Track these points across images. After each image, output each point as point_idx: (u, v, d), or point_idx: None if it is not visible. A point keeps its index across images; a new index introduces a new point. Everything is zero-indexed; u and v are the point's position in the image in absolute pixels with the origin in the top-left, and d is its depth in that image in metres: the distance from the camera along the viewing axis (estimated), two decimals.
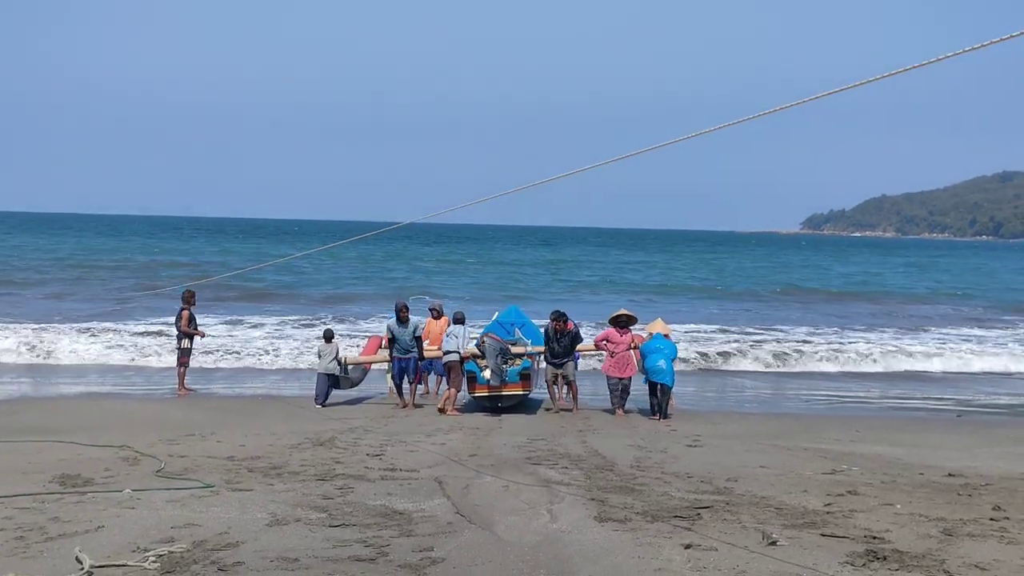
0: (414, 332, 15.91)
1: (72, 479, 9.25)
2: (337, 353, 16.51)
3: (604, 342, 15.85)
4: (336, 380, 16.44)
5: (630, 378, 15.60)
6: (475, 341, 15.94)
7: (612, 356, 15.63)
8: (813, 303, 41.91)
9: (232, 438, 12.12)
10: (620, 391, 15.49)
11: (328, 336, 16.88)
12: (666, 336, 15.80)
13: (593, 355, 18.99)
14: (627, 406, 15.65)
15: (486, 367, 15.41)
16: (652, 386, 15.15)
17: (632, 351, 15.62)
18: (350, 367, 16.81)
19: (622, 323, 15.87)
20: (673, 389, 15.24)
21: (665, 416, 14.88)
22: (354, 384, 17.05)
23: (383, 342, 16.98)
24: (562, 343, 15.73)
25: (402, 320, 15.84)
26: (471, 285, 47.05)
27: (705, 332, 28.17)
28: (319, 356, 16.57)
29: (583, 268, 64.54)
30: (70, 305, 32.45)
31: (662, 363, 14.98)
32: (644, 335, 16.02)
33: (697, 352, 23.92)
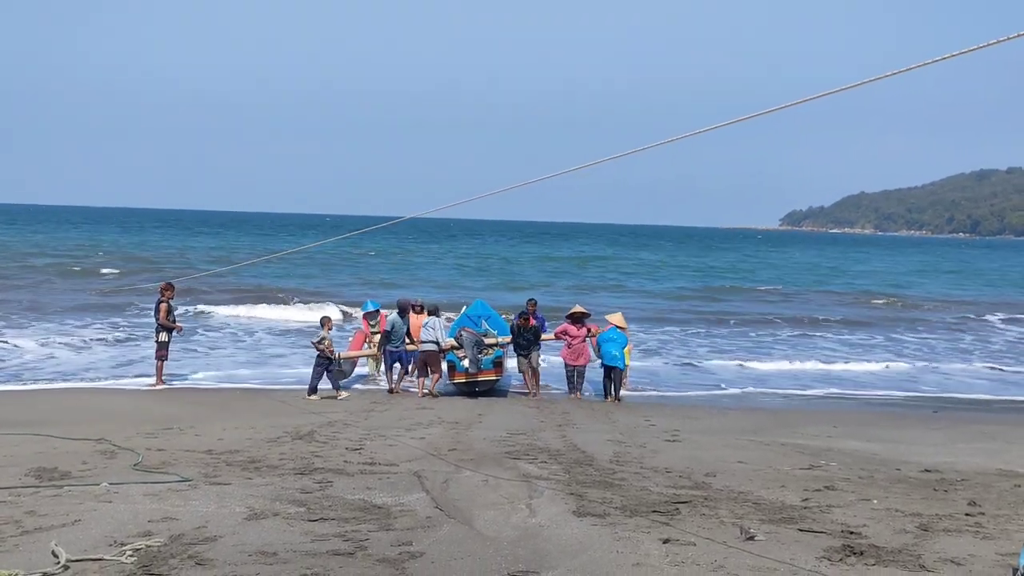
0: (406, 326, 17.40)
1: (49, 472, 9.18)
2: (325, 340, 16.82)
3: (563, 334, 17.61)
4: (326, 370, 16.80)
5: (584, 365, 17.46)
6: (454, 334, 17.56)
7: (569, 347, 17.45)
8: None
9: (210, 431, 12.06)
10: (575, 377, 17.39)
11: (323, 322, 17.43)
12: (622, 328, 17.53)
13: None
14: (584, 394, 17.46)
15: (464, 357, 17.04)
16: (607, 370, 16.98)
17: (587, 341, 17.44)
18: (342, 360, 17.63)
19: (577, 318, 17.70)
20: (626, 372, 17.45)
21: (617, 396, 16.77)
22: (346, 376, 17.96)
23: (366, 335, 18.46)
24: (526, 336, 17.51)
25: (405, 315, 17.48)
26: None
27: None
28: (320, 344, 16.64)
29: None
30: (48, 299, 32.20)
31: (614, 351, 16.82)
32: (604, 327, 17.63)
33: None
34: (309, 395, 16.06)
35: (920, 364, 23.93)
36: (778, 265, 76.09)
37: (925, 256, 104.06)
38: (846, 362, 23.78)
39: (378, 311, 19.17)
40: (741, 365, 22.65)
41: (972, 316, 37.69)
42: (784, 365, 22.93)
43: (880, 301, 42.72)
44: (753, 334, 29.60)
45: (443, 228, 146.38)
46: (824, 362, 23.59)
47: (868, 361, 24.05)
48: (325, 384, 16.57)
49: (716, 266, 71.10)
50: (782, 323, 32.93)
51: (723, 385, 19.50)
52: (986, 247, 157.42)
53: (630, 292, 44.59)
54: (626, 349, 17.30)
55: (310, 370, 16.66)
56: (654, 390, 18.64)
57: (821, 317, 35.10)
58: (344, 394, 16.33)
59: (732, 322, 32.62)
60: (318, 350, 16.50)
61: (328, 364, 16.51)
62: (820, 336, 29.83)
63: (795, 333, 30.28)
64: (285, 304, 32.78)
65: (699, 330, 30.05)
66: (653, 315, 33.57)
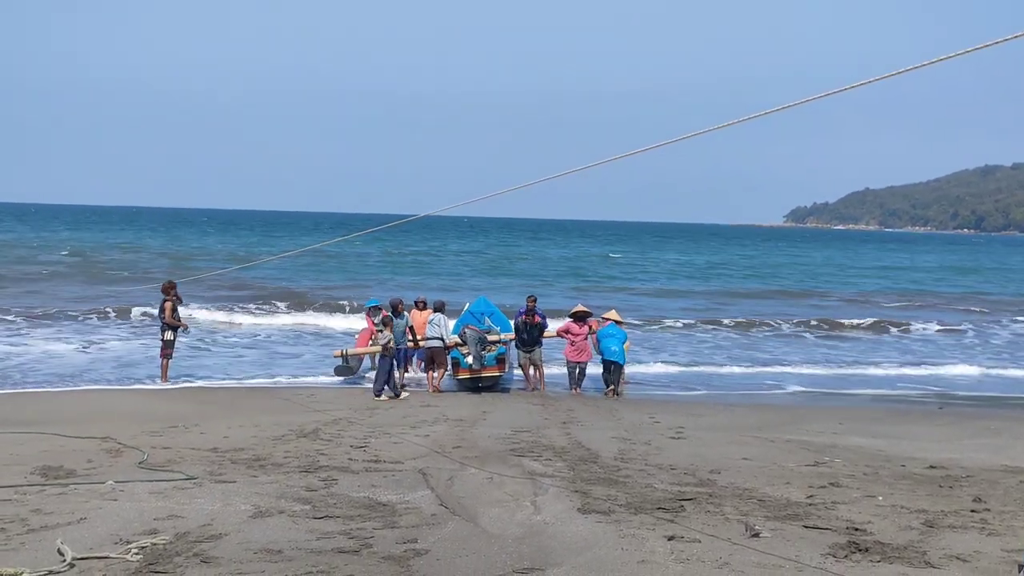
0: (406, 324, 17.52)
1: (54, 471, 9.20)
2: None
3: (566, 333, 17.94)
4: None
5: (586, 362, 17.80)
6: (457, 331, 17.78)
7: (572, 344, 17.75)
8: None
9: (215, 430, 12.08)
10: (577, 373, 17.72)
11: (386, 322, 17.07)
12: (618, 323, 17.96)
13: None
14: (585, 391, 17.67)
15: (468, 353, 17.35)
16: (606, 364, 17.39)
17: (588, 338, 17.72)
18: (350, 356, 18.13)
19: (580, 317, 18.05)
20: (625, 367, 17.76)
21: (617, 390, 17.14)
22: (353, 372, 18.34)
23: (372, 334, 18.24)
24: (531, 334, 17.74)
25: (397, 314, 17.47)
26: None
27: None
28: (388, 345, 16.59)
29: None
30: (53, 299, 32.26)
31: (614, 347, 17.24)
32: (602, 321, 18.12)
33: None
34: (397, 396, 16.03)
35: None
36: (803, 263, 75.09)
37: (940, 254, 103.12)
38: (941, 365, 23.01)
39: (379, 307, 19.18)
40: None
41: None
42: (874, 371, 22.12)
43: (896, 303, 42.15)
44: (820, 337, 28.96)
45: (455, 225, 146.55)
46: (931, 366, 22.86)
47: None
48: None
49: (738, 265, 70.27)
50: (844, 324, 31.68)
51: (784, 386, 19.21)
52: (996, 243, 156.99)
53: (639, 293, 44.35)
54: (625, 345, 17.59)
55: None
56: (704, 390, 18.49)
57: (919, 324, 32.36)
58: (394, 395, 16.19)
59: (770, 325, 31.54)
60: (386, 352, 16.48)
61: (391, 361, 16.47)
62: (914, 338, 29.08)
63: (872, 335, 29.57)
64: (289, 303, 32.76)
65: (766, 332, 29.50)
66: (674, 315, 33.11)
